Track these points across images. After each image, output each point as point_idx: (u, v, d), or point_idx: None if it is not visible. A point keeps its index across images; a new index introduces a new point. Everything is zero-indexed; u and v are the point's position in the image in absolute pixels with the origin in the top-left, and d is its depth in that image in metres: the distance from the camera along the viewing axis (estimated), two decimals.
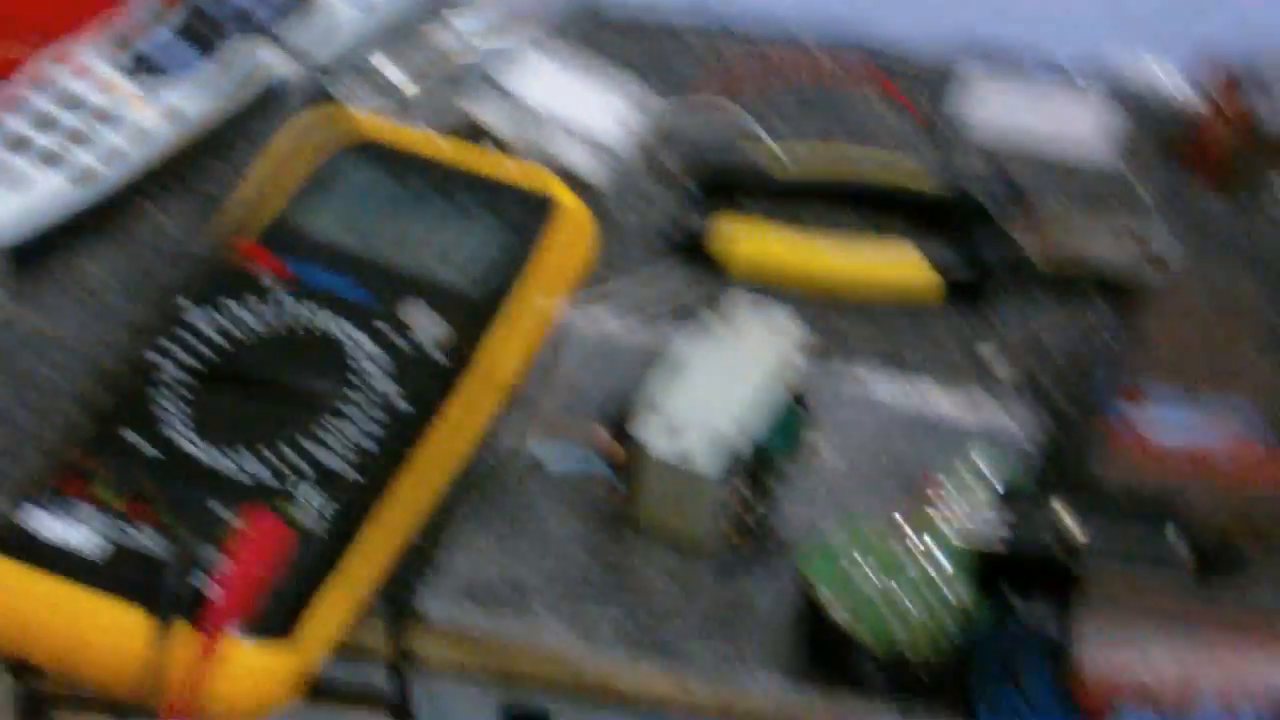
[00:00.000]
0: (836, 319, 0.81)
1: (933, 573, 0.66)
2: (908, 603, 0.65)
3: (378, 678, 0.70)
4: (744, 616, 0.69)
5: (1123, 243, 0.81)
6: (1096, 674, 0.57)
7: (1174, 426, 0.66)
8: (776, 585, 0.70)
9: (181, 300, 0.74)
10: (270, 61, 0.87)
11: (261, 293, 0.74)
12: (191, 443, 0.68)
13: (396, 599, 0.67)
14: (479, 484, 0.68)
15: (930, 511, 0.62)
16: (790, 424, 0.71)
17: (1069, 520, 0.60)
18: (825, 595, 0.65)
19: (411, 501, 0.70)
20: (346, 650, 0.67)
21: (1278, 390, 0.67)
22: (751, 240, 0.82)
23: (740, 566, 0.71)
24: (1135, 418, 0.66)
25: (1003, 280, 0.81)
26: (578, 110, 0.87)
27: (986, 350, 0.80)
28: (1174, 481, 0.63)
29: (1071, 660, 0.58)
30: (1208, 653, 0.57)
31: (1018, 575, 0.61)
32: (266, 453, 0.68)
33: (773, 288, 0.81)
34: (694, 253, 0.83)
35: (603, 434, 0.70)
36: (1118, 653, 0.57)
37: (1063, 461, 0.75)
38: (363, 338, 0.72)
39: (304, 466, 0.68)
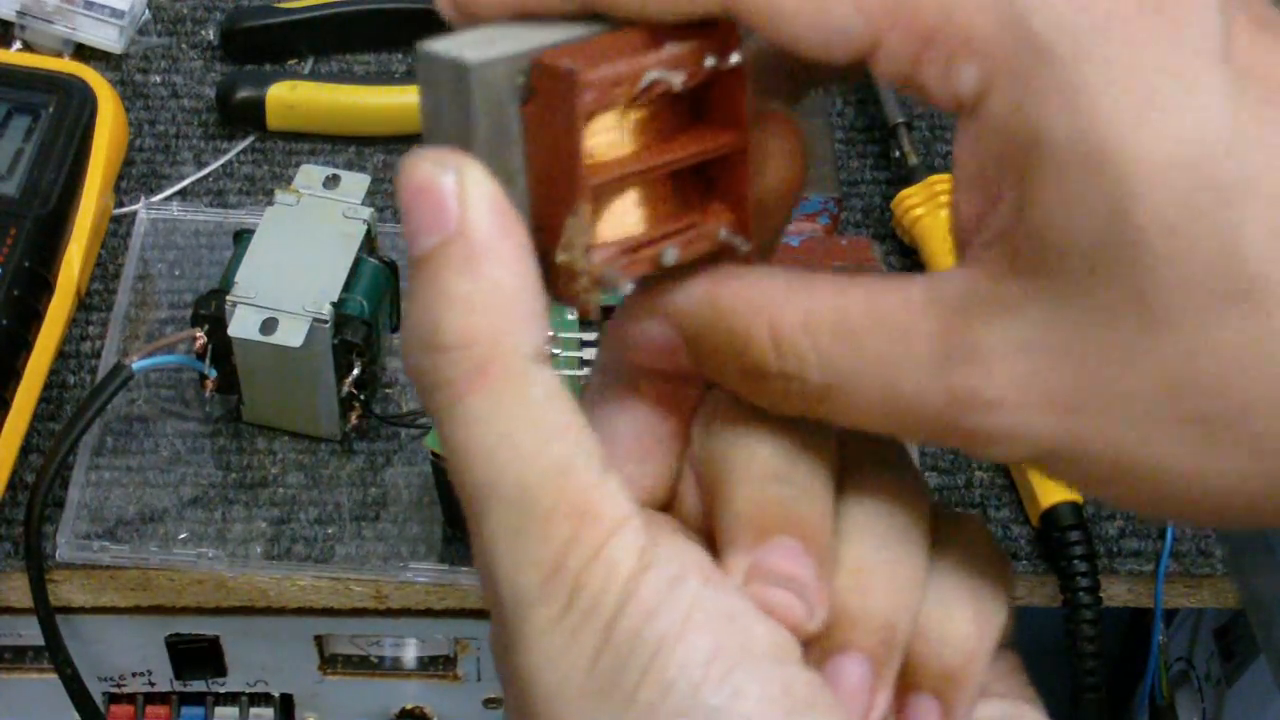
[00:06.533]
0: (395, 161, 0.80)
1: None
2: None
3: (29, 632, 0.68)
4: (389, 504, 0.70)
5: None
6: None
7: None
8: (417, 470, 0.71)
9: None
10: None
11: None
12: None
13: (30, 548, 0.65)
14: (85, 408, 0.66)
15: None
16: (379, 289, 0.70)
17: None
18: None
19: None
20: None
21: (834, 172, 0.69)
22: (284, 91, 0.80)
23: (379, 455, 0.71)
24: None
25: None
26: None
27: None
28: None
29: None
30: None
31: None
32: None
33: (324, 139, 0.80)
34: (231, 111, 0.81)
35: (197, 335, 0.68)
36: None
37: None
38: None
39: None
